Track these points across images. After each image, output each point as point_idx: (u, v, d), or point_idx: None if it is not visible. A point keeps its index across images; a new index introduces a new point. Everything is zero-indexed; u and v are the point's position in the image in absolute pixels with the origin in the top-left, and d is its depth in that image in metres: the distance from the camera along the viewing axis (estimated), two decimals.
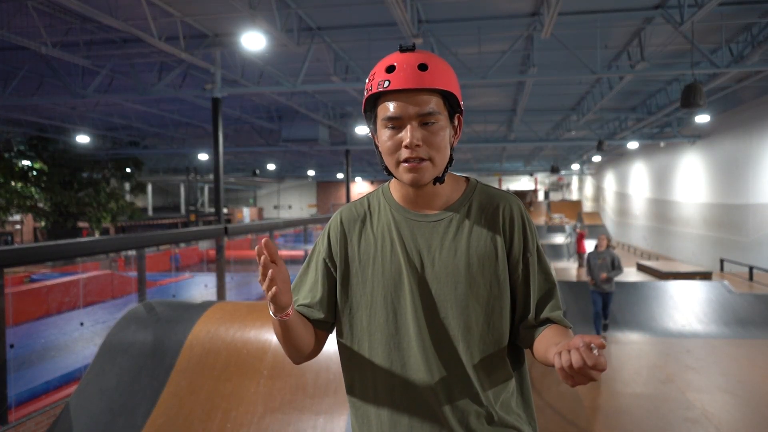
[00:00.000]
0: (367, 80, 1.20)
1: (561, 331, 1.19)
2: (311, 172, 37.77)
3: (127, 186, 24.63)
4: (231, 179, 36.75)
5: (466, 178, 1.30)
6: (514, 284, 1.23)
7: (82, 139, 17.51)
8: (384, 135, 1.18)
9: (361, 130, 15.44)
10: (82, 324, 9.44)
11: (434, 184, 1.22)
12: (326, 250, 1.30)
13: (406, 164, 1.16)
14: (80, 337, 8.85)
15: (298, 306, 1.29)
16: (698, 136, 17.60)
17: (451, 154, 1.22)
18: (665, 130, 18.55)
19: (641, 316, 8.30)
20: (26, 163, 19.60)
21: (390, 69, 1.15)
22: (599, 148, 16.70)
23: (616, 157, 28.42)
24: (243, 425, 3.10)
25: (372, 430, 1.23)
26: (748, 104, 14.26)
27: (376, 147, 1.24)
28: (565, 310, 3.95)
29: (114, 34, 8.93)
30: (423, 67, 1.14)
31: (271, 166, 32.01)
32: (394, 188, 1.29)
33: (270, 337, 3.42)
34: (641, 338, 7.70)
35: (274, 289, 1.08)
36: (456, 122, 1.23)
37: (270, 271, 1.07)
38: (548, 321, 1.23)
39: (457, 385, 1.17)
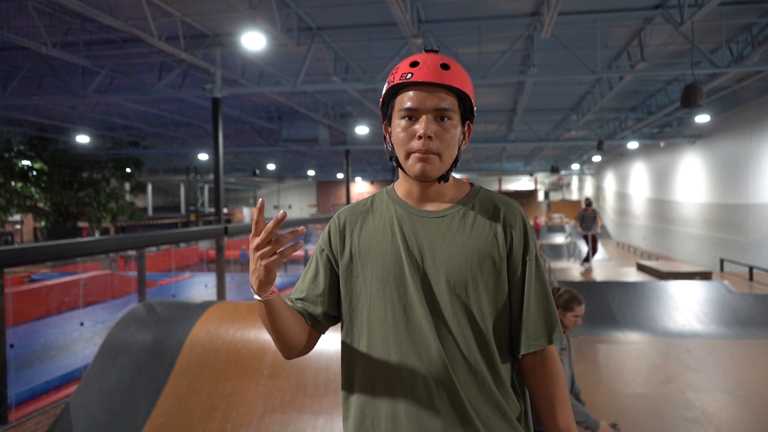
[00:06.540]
0: (389, 75, 1.25)
1: (562, 404, 1.25)
2: (311, 172, 37.75)
3: (127, 186, 24.63)
4: (231, 179, 36.75)
5: (470, 183, 1.34)
6: (512, 285, 1.26)
7: (82, 139, 17.51)
8: (399, 126, 1.22)
9: (361, 130, 15.42)
10: (82, 324, 9.45)
11: (438, 182, 1.25)
12: (326, 243, 1.32)
13: (417, 155, 1.20)
14: (80, 337, 8.86)
15: (294, 300, 1.31)
16: (698, 136, 17.60)
17: (457, 156, 1.25)
18: (665, 130, 18.55)
19: (641, 316, 8.29)
20: (26, 163, 19.58)
21: (414, 64, 1.21)
22: (599, 148, 16.68)
23: (616, 157, 28.41)
24: (243, 425, 3.10)
25: (368, 423, 1.23)
26: (748, 104, 14.25)
27: (387, 140, 1.28)
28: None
29: (114, 34, 8.93)
30: (445, 66, 1.20)
31: (271, 166, 32.00)
32: (399, 186, 1.32)
33: (270, 336, 3.41)
34: (641, 338, 7.69)
35: (274, 257, 1.08)
36: (466, 127, 1.28)
37: (277, 236, 1.08)
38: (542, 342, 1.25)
39: (457, 378, 1.18)
